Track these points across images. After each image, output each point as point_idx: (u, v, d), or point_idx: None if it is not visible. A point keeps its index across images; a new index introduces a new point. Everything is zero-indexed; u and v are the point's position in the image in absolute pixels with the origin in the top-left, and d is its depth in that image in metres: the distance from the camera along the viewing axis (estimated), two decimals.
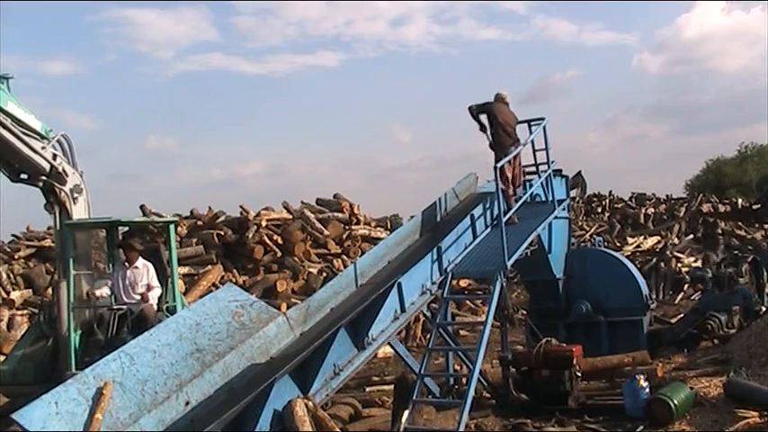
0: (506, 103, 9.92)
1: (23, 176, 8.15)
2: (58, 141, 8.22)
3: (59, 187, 8.18)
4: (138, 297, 8.64)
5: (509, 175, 9.63)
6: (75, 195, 8.29)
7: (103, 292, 8.62)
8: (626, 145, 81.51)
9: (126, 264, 8.80)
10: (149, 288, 8.66)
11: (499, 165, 9.05)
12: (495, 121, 9.64)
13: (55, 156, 8.11)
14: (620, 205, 32.35)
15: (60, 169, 8.14)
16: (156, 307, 8.63)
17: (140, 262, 8.80)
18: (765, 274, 13.72)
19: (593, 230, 26.67)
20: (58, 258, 8.53)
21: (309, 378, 6.63)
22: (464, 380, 8.29)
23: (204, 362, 6.37)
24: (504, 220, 8.76)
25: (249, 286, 15.72)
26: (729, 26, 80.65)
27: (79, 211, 8.34)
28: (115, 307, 8.50)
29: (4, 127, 7.49)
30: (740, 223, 28.52)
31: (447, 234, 8.81)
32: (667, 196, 35.99)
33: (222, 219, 18.49)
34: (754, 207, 32.14)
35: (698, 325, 11.57)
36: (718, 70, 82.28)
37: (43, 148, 8.00)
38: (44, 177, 8.10)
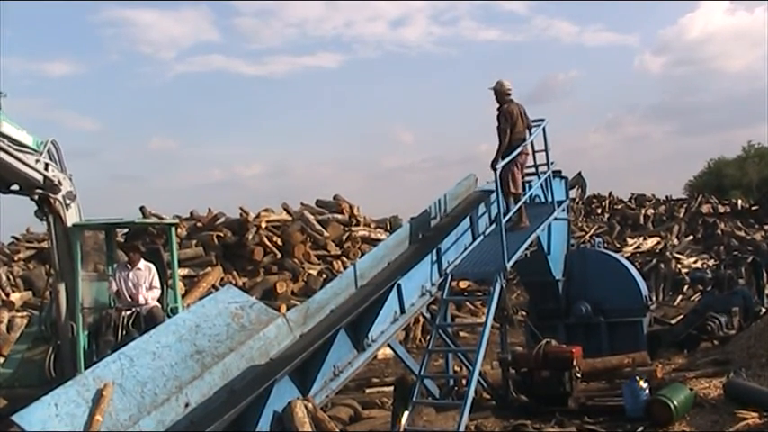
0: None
1: (14, 188, 8.09)
2: (48, 150, 8.14)
3: (53, 197, 8.13)
4: (142, 298, 8.69)
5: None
6: (68, 202, 8.24)
7: (113, 287, 8.74)
8: (627, 145, 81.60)
9: (128, 265, 8.86)
10: (150, 289, 8.71)
11: (499, 166, 9.05)
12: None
13: (47, 166, 8.03)
14: (619, 206, 32.35)
15: (56, 181, 8.10)
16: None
17: (143, 263, 8.90)
18: (765, 274, 13.74)
19: (592, 231, 26.67)
20: (54, 263, 8.48)
21: (309, 379, 6.64)
22: (464, 381, 8.29)
23: (204, 363, 6.37)
24: (505, 221, 8.77)
25: (249, 288, 15.70)
26: (733, 26, 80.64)
27: (72, 216, 8.31)
28: (124, 307, 8.54)
29: (2, 149, 7.43)
30: (740, 224, 28.54)
31: (446, 235, 8.82)
32: (667, 197, 35.98)
33: (222, 220, 18.46)
34: (753, 208, 32.15)
35: (698, 326, 11.58)
36: (721, 71, 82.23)
37: (37, 161, 7.90)
38: (39, 190, 8.04)
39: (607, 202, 32.56)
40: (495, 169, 8.84)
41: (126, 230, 14.40)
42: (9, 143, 7.52)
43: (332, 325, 7.05)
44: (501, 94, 9.64)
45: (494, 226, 9.32)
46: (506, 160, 9.22)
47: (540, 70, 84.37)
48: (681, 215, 30.46)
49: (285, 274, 17.11)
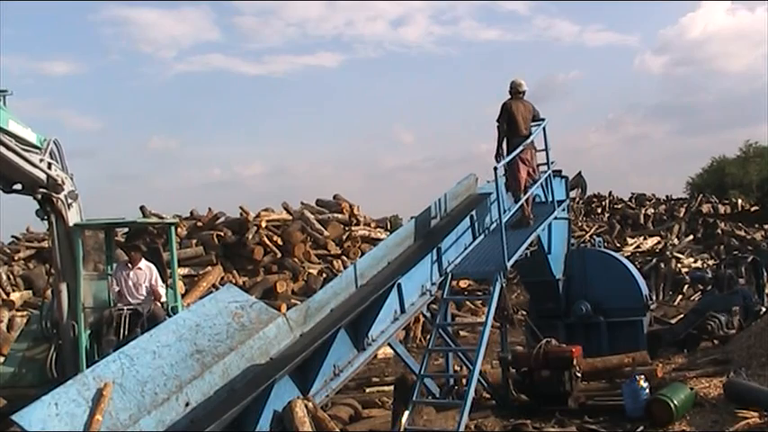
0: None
1: (16, 187, 8.07)
2: (50, 149, 8.11)
3: (56, 196, 8.12)
4: (142, 297, 8.69)
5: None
6: (70, 201, 8.24)
7: (114, 287, 8.76)
8: (627, 145, 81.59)
9: (129, 265, 8.87)
10: (155, 288, 8.73)
11: (499, 165, 9.05)
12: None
13: (50, 165, 8.03)
14: (619, 206, 32.33)
15: (59, 180, 8.10)
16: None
17: (143, 263, 8.91)
18: (765, 274, 13.73)
19: (592, 231, 26.65)
20: (56, 263, 8.48)
21: (309, 379, 6.65)
22: (464, 380, 8.29)
23: (204, 363, 6.37)
24: (505, 221, 8.77)
25: (249, 287, 15.71)
26: (733, 26, 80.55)
27: (73, 216, 8.31)
28: (125, 307, 8.54)
29: (7, 147, 7.41)
30: (740, 224, 28.53)
31: (447, 235, 8.82)
32: (667, 197, 36.01)
33: (222, 220, 18.48)
34: (752, 210, 32.13)
35: (698, 325, 11.58)
36: (722, 71, 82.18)
37: (41, 160, 7.90)
38: (42, 189, 8.04)
39: (607, 201, 32.53)
40: (495, 168, 8.84)
41: (126, 230, 14.41)
42: (16, 142, 7.53)
43: (332, 324, 7.05)
44: (511, 91, 9.91)
45: (494, 224, 9.33)
46: (509, 157, 9.29)
47: (541, 70, 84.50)
48: (681, 215, 30.45)
49: (285, 274, 17.13)
